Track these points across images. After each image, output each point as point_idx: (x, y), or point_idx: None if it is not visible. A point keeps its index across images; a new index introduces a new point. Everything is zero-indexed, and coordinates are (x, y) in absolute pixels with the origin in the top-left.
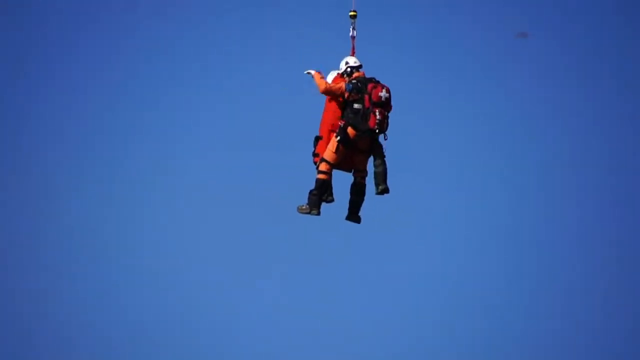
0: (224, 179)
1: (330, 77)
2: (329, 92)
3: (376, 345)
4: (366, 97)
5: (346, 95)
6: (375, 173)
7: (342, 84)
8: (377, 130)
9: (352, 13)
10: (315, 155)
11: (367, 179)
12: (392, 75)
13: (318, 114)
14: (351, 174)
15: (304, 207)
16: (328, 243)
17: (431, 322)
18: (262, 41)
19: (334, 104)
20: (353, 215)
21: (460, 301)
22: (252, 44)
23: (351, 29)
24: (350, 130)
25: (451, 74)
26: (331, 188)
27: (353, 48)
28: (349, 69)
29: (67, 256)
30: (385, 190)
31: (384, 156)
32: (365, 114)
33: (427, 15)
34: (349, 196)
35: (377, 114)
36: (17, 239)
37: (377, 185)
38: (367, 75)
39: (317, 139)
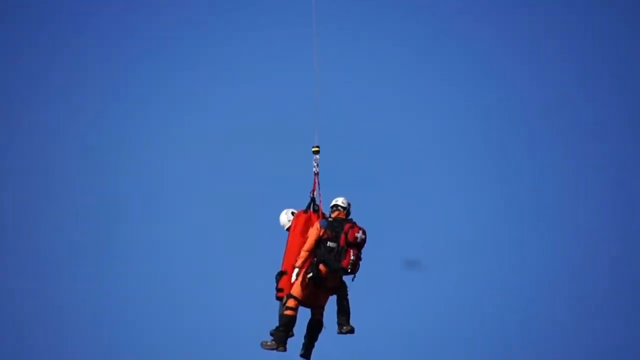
0: (223, 178)
1: (284, 218)
2: (314, 244)
3: (376, 345)
4: (342, 236)
5: (320, 232)
6: (341, 312)
7: (317, 224)
8: (349, 270)
9: (315, 149)
10: (279, 290)
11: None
12: (390, 73)
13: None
14: (309, 310)
15: (269, 343)
16: None
17: (431, 326)
18: (262, 41)
19: (298, 240)
20: (308, 352)
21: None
22: (251, 44)
23: (315, 165)
24: (322, 267)
25: (450, 74)
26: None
27: (316, 183)
28: (333, 207)
29: (64, 256)
30: (352, 331)
31: (347, 295)
32: (339, 253)
33: (427, 15)
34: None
35: (352, 254)
36: (15, 239)
37: (341, 325)
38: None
39: (281, 274)
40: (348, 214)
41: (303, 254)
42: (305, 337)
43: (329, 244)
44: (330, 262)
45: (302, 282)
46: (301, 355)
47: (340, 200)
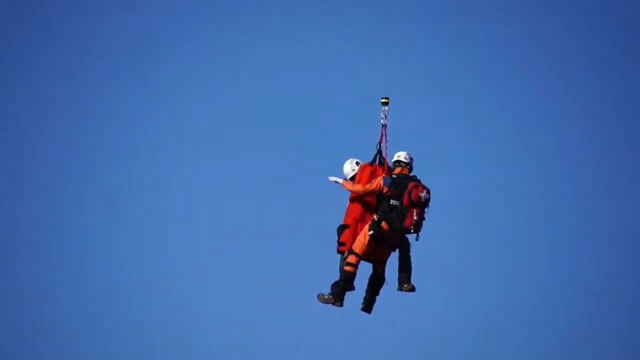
0: (222, 177)
1: (348, 167)
2: (369, 194)
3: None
4: (405, 195)
5: (384, 190)
6: (402, 269)
7: (380, 180)
8: (412, 230)
9: (383, 100)
10: (340, 244)
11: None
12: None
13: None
14: (371, 265)
15: (326, 297)
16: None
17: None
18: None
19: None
20: (369, 306)
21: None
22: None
23: (382, 117)
24: (384, 224)
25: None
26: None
27: (383, 135)
28: (395, 163)
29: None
30: (412, 289)
31: (410, 252)
32: (402, 212)
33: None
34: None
35: (415, 214)
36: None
37: (402, 282)
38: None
39: (343, 227)
40: (411, 169)
41: (358, 189)
42: (367, 291)
43: (392, 201)
44: (393, 221)
45: (364, 239)
46: (362, 309)
47: (402, 155)
